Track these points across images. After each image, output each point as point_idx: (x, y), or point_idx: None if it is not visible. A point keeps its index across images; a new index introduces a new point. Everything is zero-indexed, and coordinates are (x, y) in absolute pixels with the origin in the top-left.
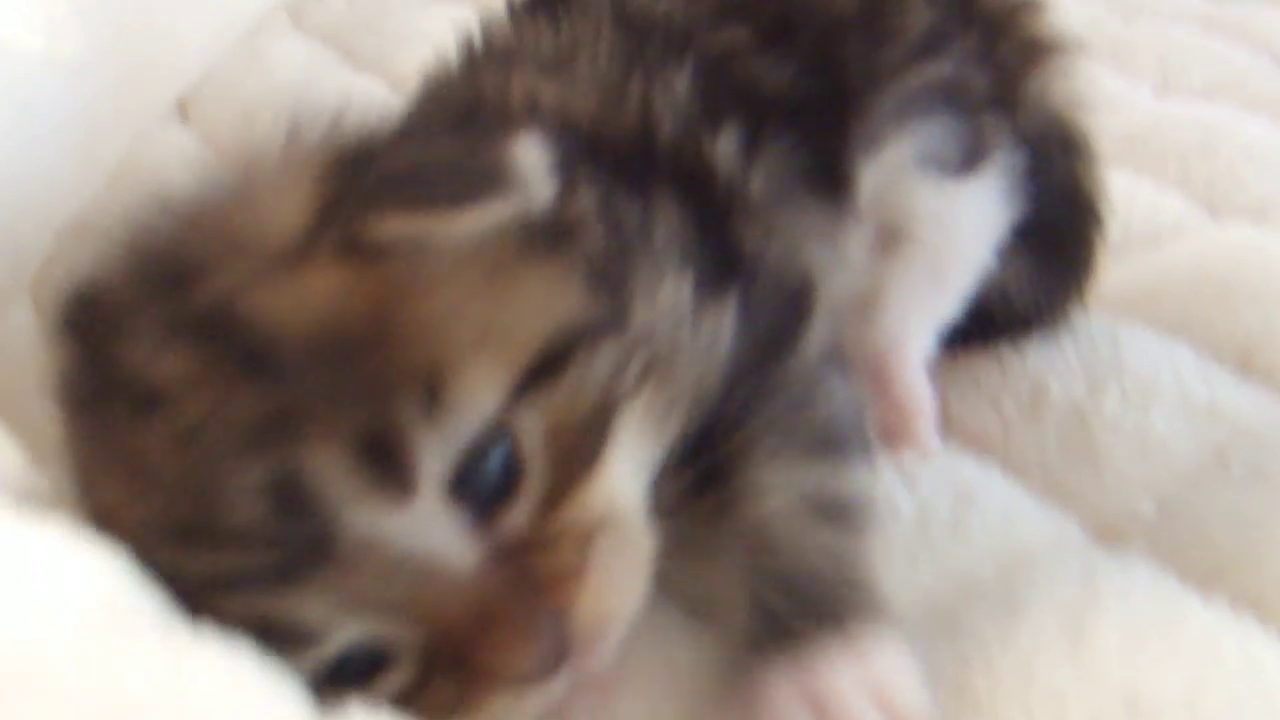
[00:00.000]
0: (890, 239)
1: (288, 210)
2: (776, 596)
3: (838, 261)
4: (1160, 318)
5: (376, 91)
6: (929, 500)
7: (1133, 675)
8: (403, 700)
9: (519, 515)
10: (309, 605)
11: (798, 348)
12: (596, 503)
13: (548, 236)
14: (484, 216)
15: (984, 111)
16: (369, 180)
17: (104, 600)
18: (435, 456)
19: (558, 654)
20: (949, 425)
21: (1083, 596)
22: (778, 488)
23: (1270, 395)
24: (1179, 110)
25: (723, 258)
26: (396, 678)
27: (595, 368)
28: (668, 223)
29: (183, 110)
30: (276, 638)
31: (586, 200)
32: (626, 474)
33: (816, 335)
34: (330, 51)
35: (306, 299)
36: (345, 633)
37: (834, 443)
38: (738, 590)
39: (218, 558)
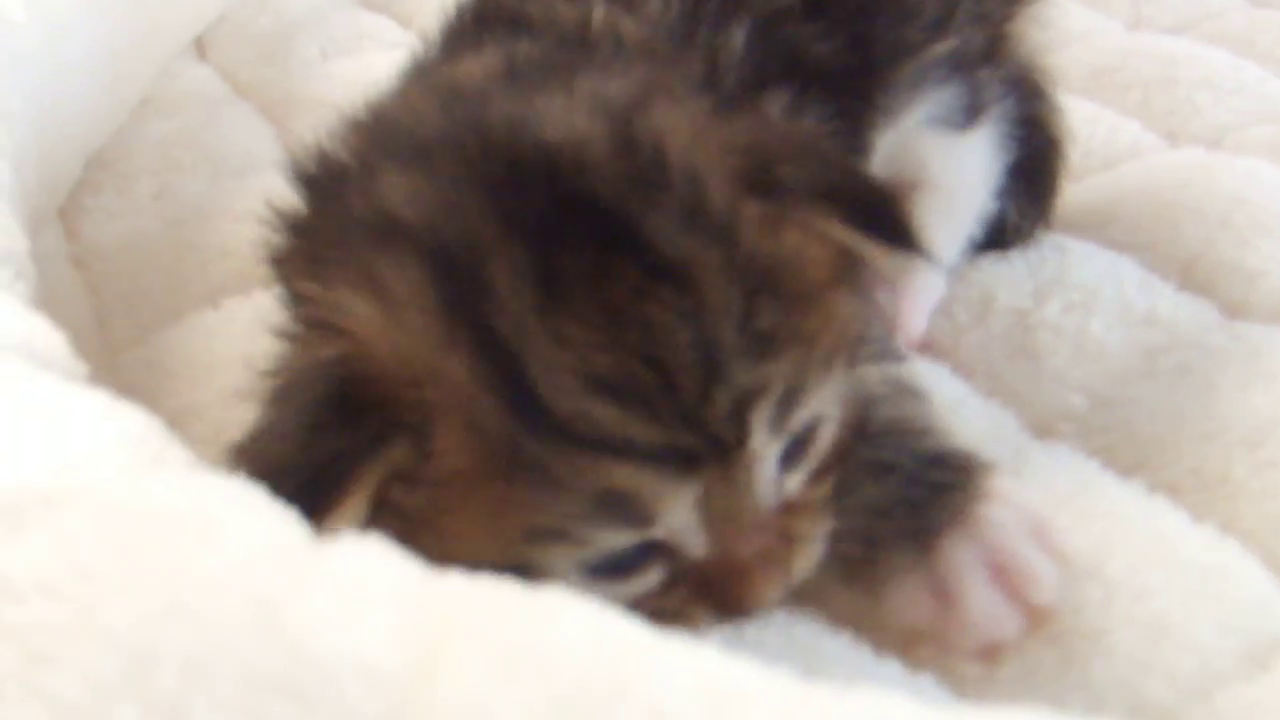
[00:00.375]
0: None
1: (713, 167)
2: (895, 482)
3: None
4: (1109, 234)
5: (387, 31)
6: None
7: None
8: (634, 601)
9: (798, 482)
10: (665, 495)
11: None
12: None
13: None
14: (883, 257)
15: (979, 67)
16: (810, 177)
17: (143, 441)
18: (798, 418)
19: None
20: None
21: (1010, 475)
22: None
23: (1205, 304)
24: (1147, 43)
25: None
26: (643, 581)
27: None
28: None
29: (200, 48)
30: (609, 509)
31: None
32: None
33: None
34: None
35: (794, 251)
36: (663, 528)
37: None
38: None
39: (637, 425)
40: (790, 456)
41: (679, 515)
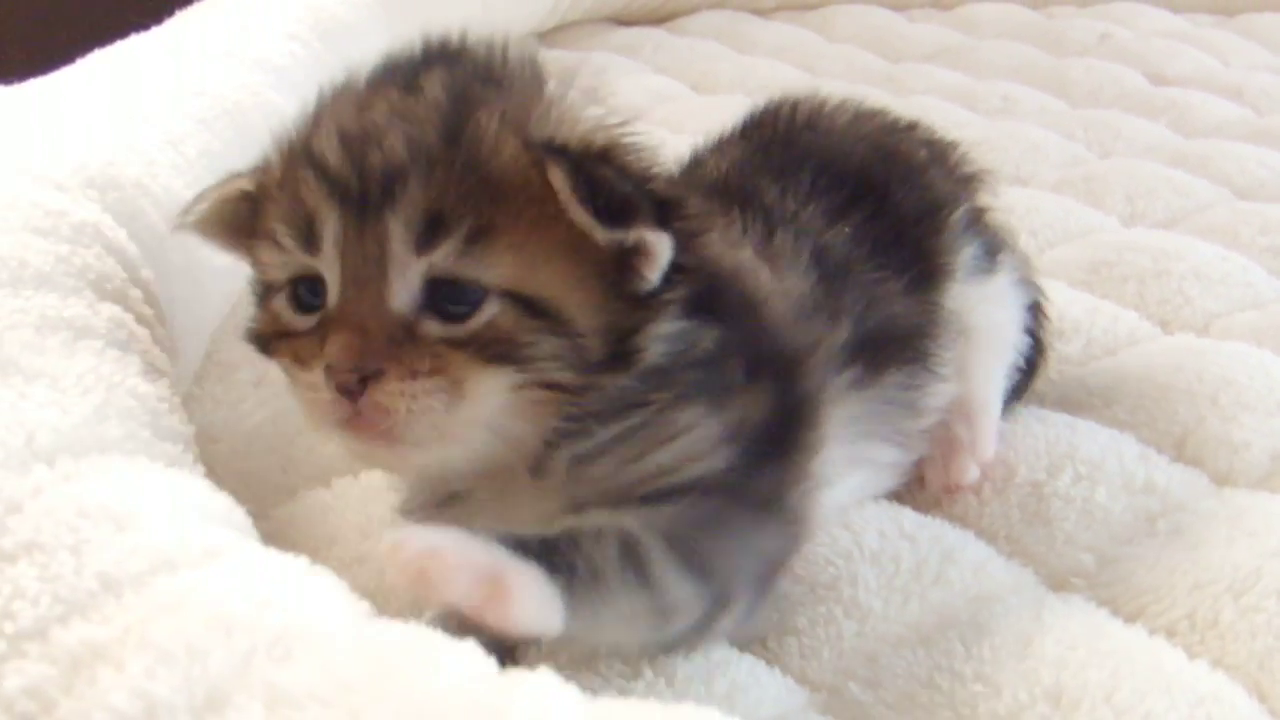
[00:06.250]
0: None
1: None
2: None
3: None
4: (1112, 413)
5: None
6: (923, 556)
7: (1058, 674)
8: (299, 331)
9: (438, 331)
10: (324, 221)
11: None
12: (466, 380)
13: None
14: (574, 209)
15: (981, 227)
16: (574, 153)
17: (352, 597)
18: (441, 254)
19: (350, 392)
20: (937, 504)
21: (1030, 623)
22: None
23: (1196, 474)
24: (1140, 238)
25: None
26: (310, 320)
27: (543, 341)
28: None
29: None
30: (298, 224)
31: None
32: (499, 392)
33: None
34: None
35: (509, 160)
36: (321, 260)
37: (689, 544)
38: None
39: (338, 155)
40: (441, 311)
41: (328, 250)
